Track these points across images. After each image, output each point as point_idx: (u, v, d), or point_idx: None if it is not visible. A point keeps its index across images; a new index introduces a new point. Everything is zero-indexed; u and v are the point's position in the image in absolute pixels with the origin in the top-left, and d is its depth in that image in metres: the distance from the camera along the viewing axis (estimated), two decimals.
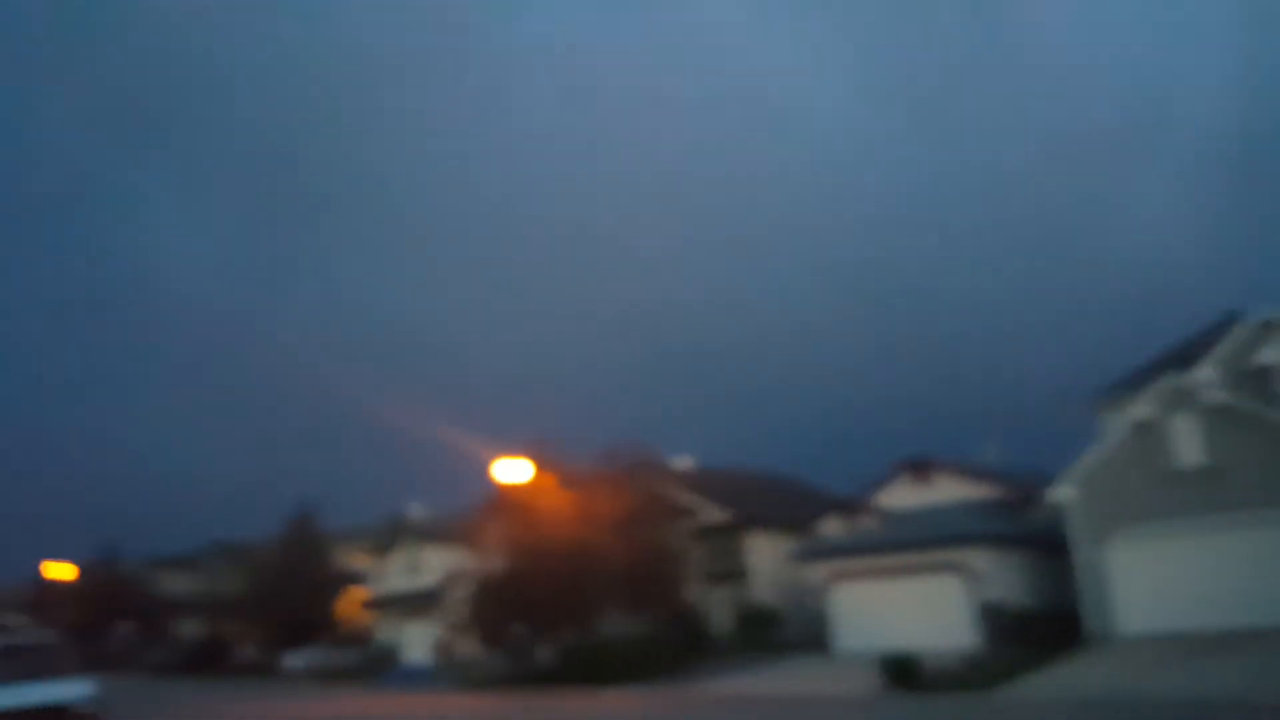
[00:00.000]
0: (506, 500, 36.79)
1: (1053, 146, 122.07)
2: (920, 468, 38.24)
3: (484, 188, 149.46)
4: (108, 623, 70.71)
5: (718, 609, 39.05)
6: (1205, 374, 28.08)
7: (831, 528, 39.07)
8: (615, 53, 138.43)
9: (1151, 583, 26.49)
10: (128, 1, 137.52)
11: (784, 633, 35.27)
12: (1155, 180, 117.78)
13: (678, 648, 33.22)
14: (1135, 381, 30.42)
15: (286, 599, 54.34)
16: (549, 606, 33.82)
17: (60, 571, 65.88)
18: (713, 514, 40.66)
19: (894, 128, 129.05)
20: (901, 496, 37.93)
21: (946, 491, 36.66)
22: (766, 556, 39.41)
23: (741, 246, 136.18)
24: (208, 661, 57.33)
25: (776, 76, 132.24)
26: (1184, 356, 30.33)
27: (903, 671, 23.59)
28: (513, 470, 32.96)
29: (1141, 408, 27.30)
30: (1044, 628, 27.50)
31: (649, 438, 40.05)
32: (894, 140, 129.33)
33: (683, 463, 45.88)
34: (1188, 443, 26.28)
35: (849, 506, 39.68)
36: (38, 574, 72.50)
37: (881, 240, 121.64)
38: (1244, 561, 25.09)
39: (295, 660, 50.00)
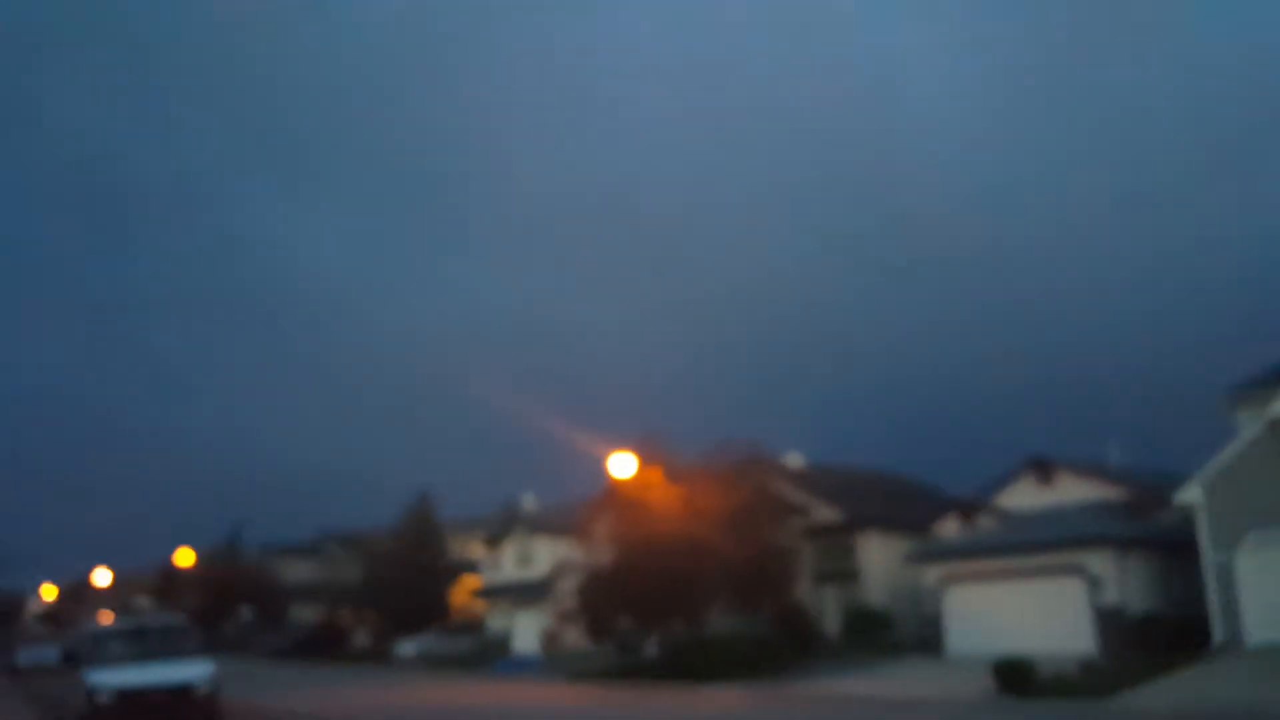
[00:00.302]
0: (617, 494, 37.36)
1: (1188, 131, 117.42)
2: (1043, 467, 37.45)
3: (594, 182, 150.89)
4: (229, 608, 73.88)
5: (827, 609, 38.98)
6: None
7: (949, 529, 38.58)
8: (711, 46, 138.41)
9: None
10: (265, 22, 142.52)
11: (894, 634, 35.04)
12: None
13: (785, 646, 33.29)
14: (1270, 379, 29.31)
15: (401, 587, 56.07)
16: (656, 600, 34.25)
17: (184, 558, 69.10)
18: (824, 513, 40.58)
19: (1015, 113, 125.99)
20: (1023, 497, 37.23)
21: (1070, 492, 35.86)
22: (879, 557, 39.15)
23: (857, 241, 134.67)
24: (322, 647, 59.42)
25: (887, 63, 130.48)
26: None
27: (1015, 676, 23.26)
28: (625, 464, 33.54)
29: (1278, 405, 26.33)
30: (1166, 634, 26.81)
31: (761, 434, 40.16)
32: (1015, 127, 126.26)
33: (794, 460, 45.84)
34: None
35: (967, 507, 39.11)
36: (166, 561, 76.20)
37: (1001, 234, 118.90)
38: None
39: (408, 647, 51.54)
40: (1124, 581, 29.10)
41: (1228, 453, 27.65)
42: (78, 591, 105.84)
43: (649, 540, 34.94)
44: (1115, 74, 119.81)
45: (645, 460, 34.24)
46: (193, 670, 22.10)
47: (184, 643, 24.01)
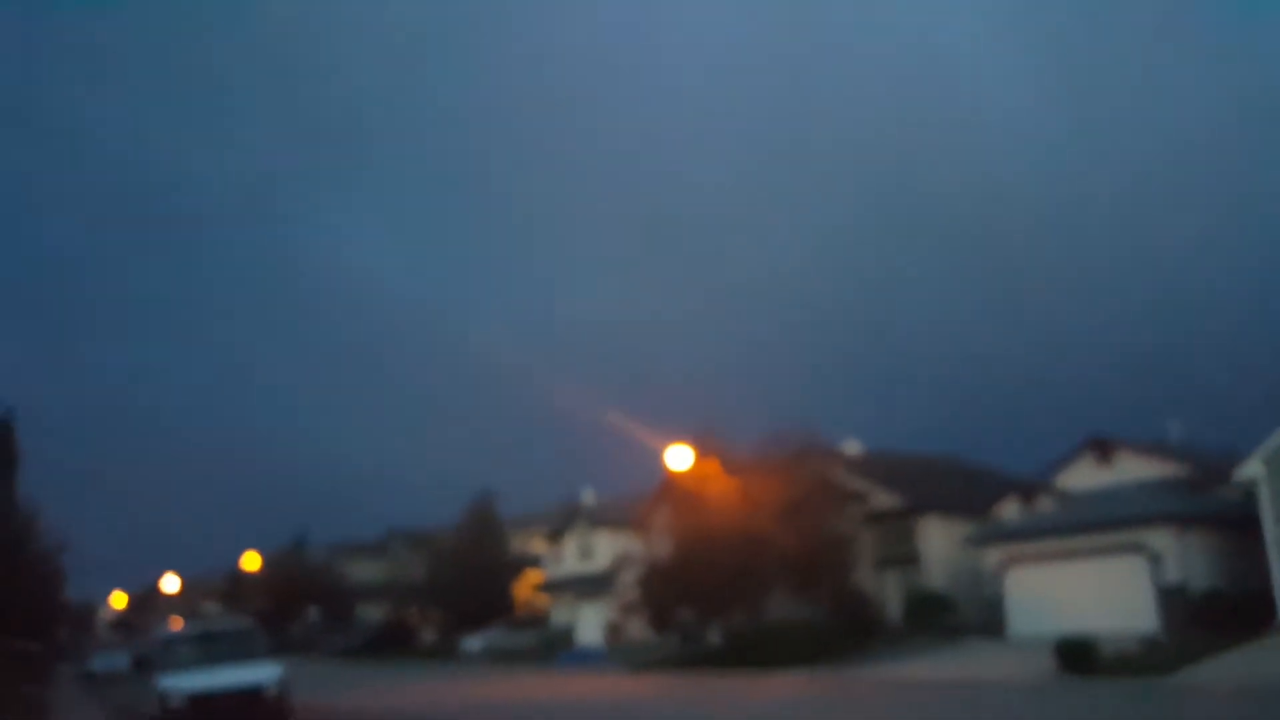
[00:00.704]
0: (675, 486, 38.17)
1: (1243, 108, 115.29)
2: (1103, 447, 37.62)
3: (647, 171, 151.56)
4: (296, 608, 75.83)
5: (889, 594, 39.48)
6: None
7: (1009, 511, 38.90)
8: (770, 31, 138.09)
9: None
10: (322, 29, 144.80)
11: (956, 618, 35.50)
12: None
13: (846, 632, 33.92)
14: None
15: (465, 584, 57.44)
16: (716, 591, 35.04)
17: (251, 562, 71.01)
18: (883, 499, 41.03)
19: (1072, 86, 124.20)
20: (1084, 477, 37.45)
21: (1131, 471, 36.05)
22: (939, 541, 39.56)
23: (914, 225, 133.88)
24: (390, 644, 60.95)
25: (947, 56, 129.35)
26: None
27: (1078, 655, 23.77)
28: (683, 457, 34.28)
29: None
30: (1229, 611, 27.08)
31: (818, 423, 40.60)
32: (1071, 102, 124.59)
33: (851, 447, 46.32)
34: None
35: (1028, 488, 39.39)
36: (233, 565, 78.34)
37: (1060, 209, 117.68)
38: None
39: (474, 642, 52.79)
40: (1185, 559, 29.39)
41: None
42: (147, 598, 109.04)
43: (707, 531, 35.73)
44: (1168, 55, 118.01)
45: (702, 453, 34.98)
46: (262, 672, 22.59)
47: (252, 645, 24.59)
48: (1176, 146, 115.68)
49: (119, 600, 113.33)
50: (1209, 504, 31.48)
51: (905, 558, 40.19)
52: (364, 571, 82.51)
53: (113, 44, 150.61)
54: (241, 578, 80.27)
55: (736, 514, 35.48)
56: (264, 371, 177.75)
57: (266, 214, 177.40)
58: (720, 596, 35.46)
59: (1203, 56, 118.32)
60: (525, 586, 62.12)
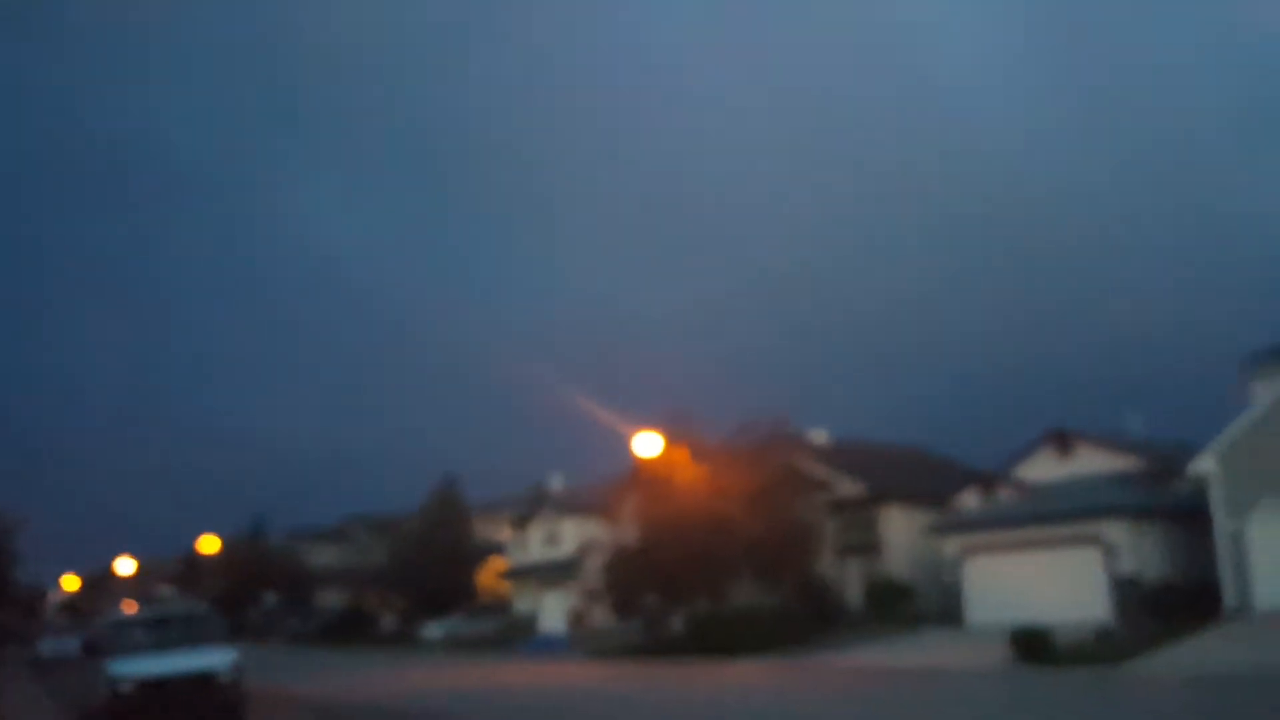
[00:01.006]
0: (643, 473, 38.79)
1: (1213, 113, 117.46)
2: (1062, 439, 38.55)
3: (618, 157, 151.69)
4: (253, 593, 75.82)
5: (850, 582, 40.35)
6: None
7: (970, 501, 39.82)
8: (753, 29, 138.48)
9: None
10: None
11: (916, 606, 36.41)
12: None
13: (808, 619, 34.75)
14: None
15: (427, 569, 57.72)
16: (681, 577, 35.72)
17: (208, 545, 70.88)
18: (847, 487, 41.87)
19: (1045, 84, 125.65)
20: (1043, 469, 38.35)
21: (1089, 463, 36.98)
22: (901, 530, 40.49)
23: (879, 214, 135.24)
24: (348, 631, 61.18)
25: (923, 39, 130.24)
26: None
27: (1033, 644, 24.59)
28: (649, 444, 34.77)
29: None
30: (1181, 601, 28.06)
31: (785, 411, 41.31)
32: (1043, 99, 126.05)
33: (818, 436, 47.16)
34: None
35: (988, 479, 40.33)
36: (189, 548, 78.17)
37: (1024, 207, 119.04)
38: None
39: (434, 630, 53.22)
40: (1140, 550, 30.38)
41: (1241, 423, 28.87)
42: (100, 581, 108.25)
43: (674, 518, 36.42)
44: (1155, 45, 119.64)
45: (671, 439, 35.54)
46: (215, 658, 22.14)
47: (206, 630, 24.10)
48: (1145, 142, 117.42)
49: (71, 583, 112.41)
50: (1164, 497, 32.48)
51: (868, 546, 41.10)
52: (324, 557, 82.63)
53: (72, 10, 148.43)
54: (198, 561, 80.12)
55: (703, 501, 36.20)
56: (224, 351, 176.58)
57: (231, 191, 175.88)
58: (685, 583, 36.17)
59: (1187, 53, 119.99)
60: (489, 574, 62.55)
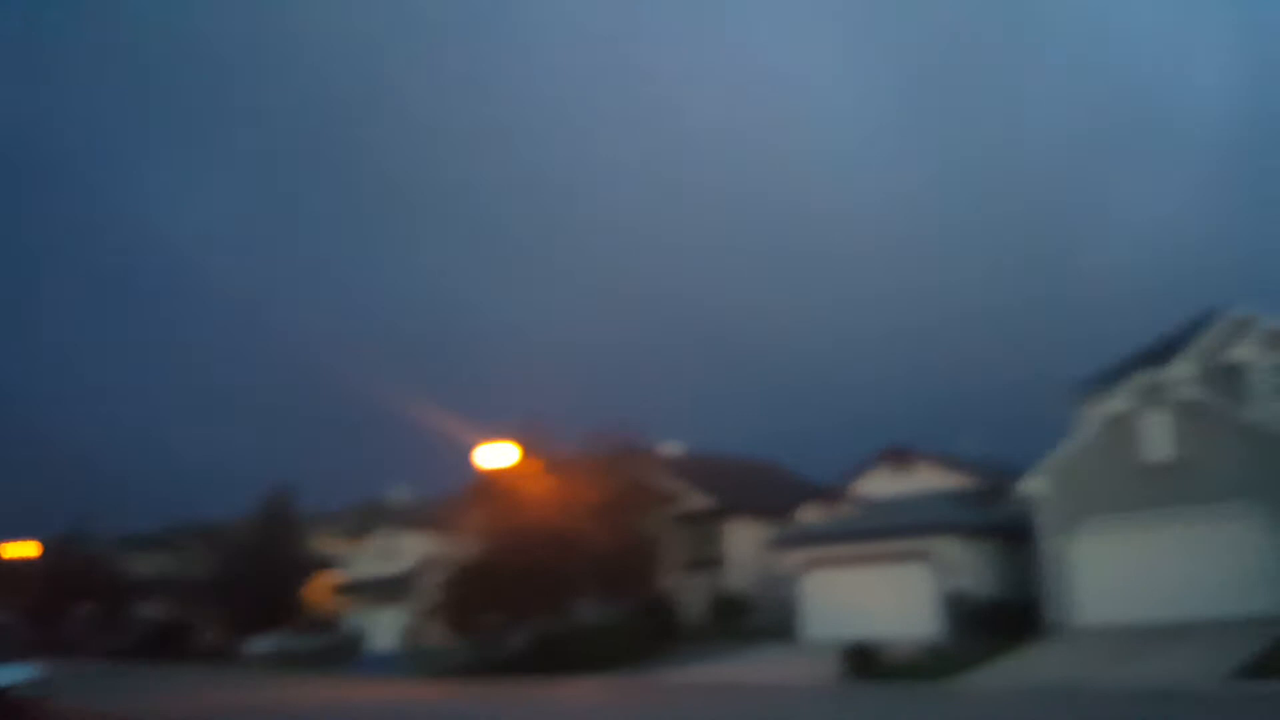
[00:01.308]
0: (487, 485, 38.29)
1: (1047, 141, 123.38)
2: (900, 456, 39.77)
3: (474, 168, 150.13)
4: (70, 604, 72.14)
5: (695, 596, 40.65)
6: (1179, 370, 29.66)
7: (811, 515, 40.62)
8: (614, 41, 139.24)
9: (1114, 574, 28.03)
10: None
11: (756, 620, 36.91)
12: (1152, 180, 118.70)
13: (650, 635, 34.86)
14: (1112, 376, 32.04)
15: (255, 582, 55.79)
16: (523, 593, 35.30)
17: (22, 550, 67.20)
18: (695, 501, 42.21)
19: (891, 117, 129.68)
20: (881, 485, 39.44)
21: (926, 481, 38.18)
22: (745, 544, 41.01)
23: (736, 232, 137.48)
24: (167, 645, 58.67)
25: (776, 67, 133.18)
26: (1161, 353, 31.89)
27: (863, 659, 25.26)
28: (494, 455, 34.18)
29: (1115, 402, 28.93)
30: (1007, 617, 29.09)
31: (636, 423, 41.36)
32: (890, 130, 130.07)
33: (671, 449, 47.38)
34: (1158, 438, 27.79)
35: (829, 494, 41.27)
36: None
37: (870, 230, 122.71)
38: (1203, 554, 26.67)
39: (258, 645, 51.50)
40: (971, 567, 31.40)
41: (1067, 446, 30.20)
42: None
43: (516, 532, 36.05)
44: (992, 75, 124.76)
45: (517, 451, 35.08)
46: (11, 674, 21.32)
47: (4, 643, 23.38)
48: (991, 169, 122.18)
49: None
50: (994, 515, 33.68)
51: (713, 560, 41.51)
52: (147, 566, 79.16)
53: None
54: (6, 569, 75.87)
55: (549, 514, 35.95)
56: (48, 345, 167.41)
57: (50, 175, 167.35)
58: (528, 599, 35.74)
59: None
60: (320, 588, 60.87)
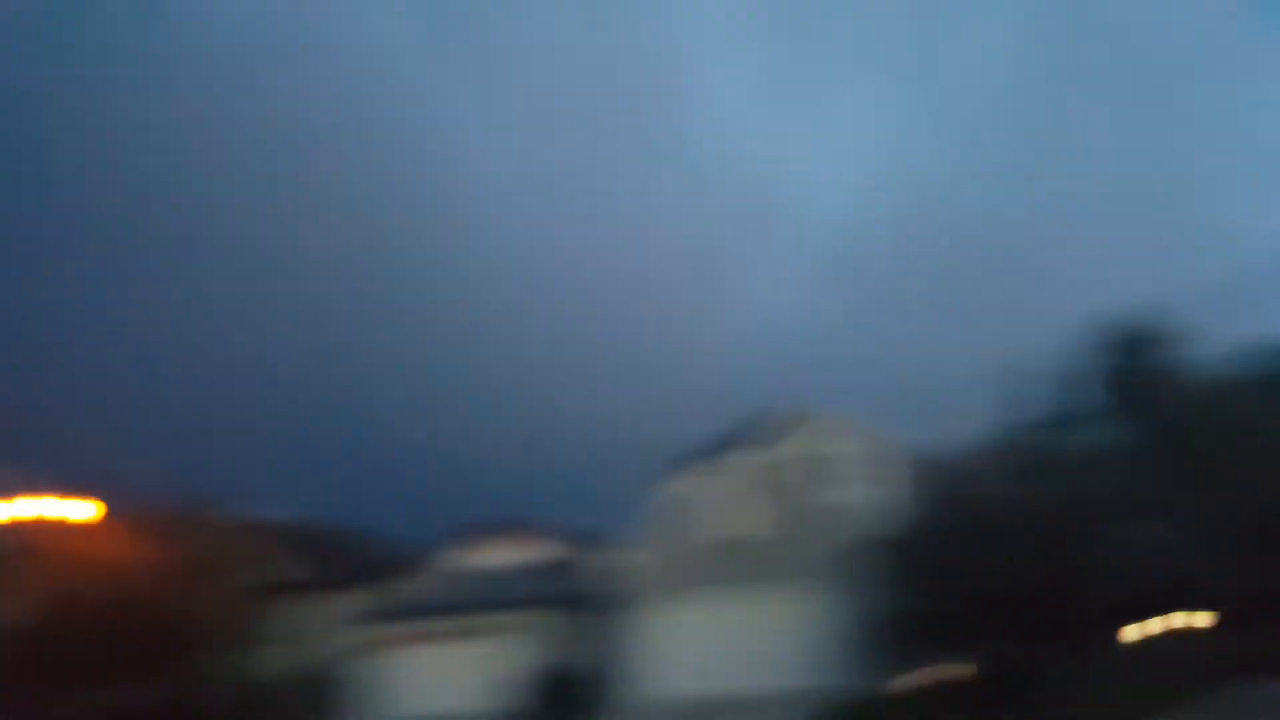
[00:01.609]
0: (33, 543, 35.03)
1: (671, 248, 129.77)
2: (491, 528, 40.30)
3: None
4: None
5: (278, 672, 38.93)
6: (739, 458, 32.41)
7: (395, 588, 40.20)
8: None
9: (688, 648, 30.19)
10: None
11: (341, 696, 36.00)
12: (761, 275, 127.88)
13: (227, 714, 33.07)
14: (688, 458, 34.46)
15: None
16: (75, 665, 32.49)
17: None
18: (283, 570, 40.66)
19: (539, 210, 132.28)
20: (471, 557, 39.80)
21: (513, 553, 38.89)
22: (331, 616, 39.93)
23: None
24: None
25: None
26: (732, 440, 34.68)
27: None
28: (34, 509, 31.41)
29: (683, 483, 31.20)
30: (583, 690, 30.30)
31: (220, 484, 39.12)
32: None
33: (267, 513, 45.24)
34: (720, 517, 30.26)
35: (413, 565, 40.99)
36: None
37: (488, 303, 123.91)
38: (773, 629, 29.38)
39: None
40: (551, 640, 32.47)
41: (651, 520, 32.28)
42: None
43: (69, 597, 33.22)
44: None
45: (72, 509, 32.54)
46: None
47: None
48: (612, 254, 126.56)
49: None
50: (580, 587, 35.04)
51: (297, 633, 40.02)
52: None
53: None
54: None
55: (109, 580, 33.39)
56: None
57: None
58: (81, 672, 32.77)
59: None
60: None
